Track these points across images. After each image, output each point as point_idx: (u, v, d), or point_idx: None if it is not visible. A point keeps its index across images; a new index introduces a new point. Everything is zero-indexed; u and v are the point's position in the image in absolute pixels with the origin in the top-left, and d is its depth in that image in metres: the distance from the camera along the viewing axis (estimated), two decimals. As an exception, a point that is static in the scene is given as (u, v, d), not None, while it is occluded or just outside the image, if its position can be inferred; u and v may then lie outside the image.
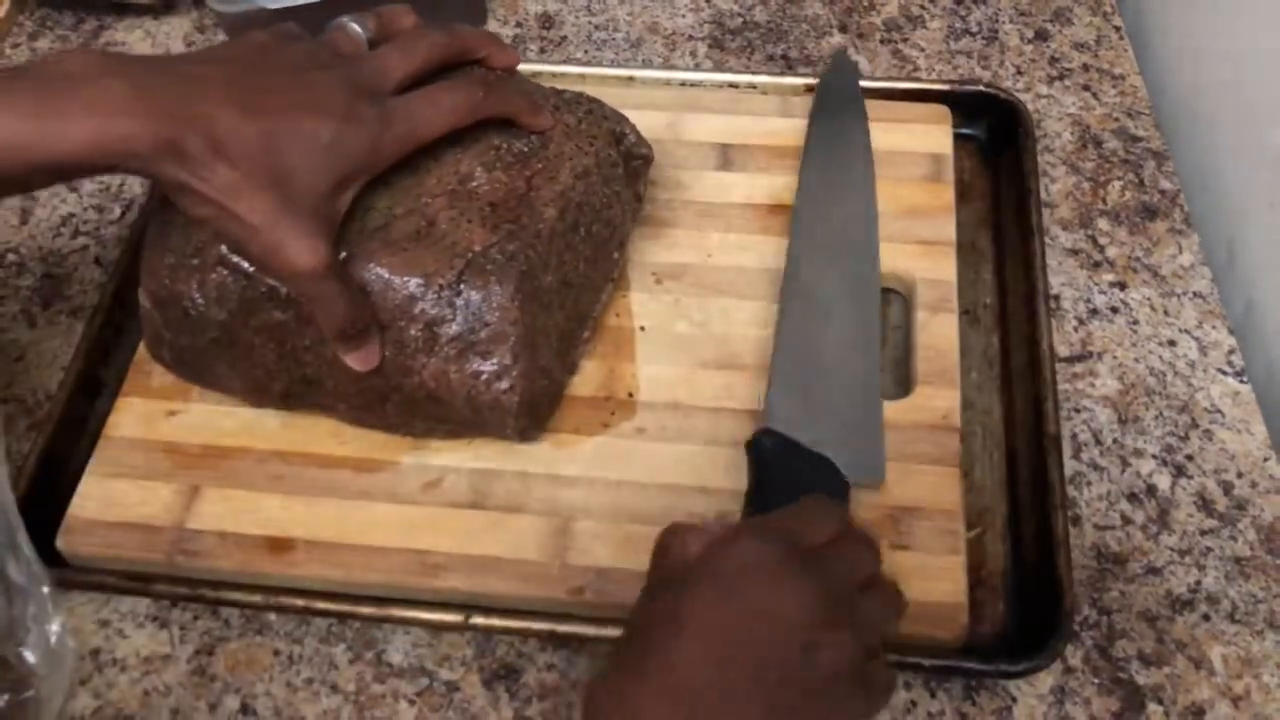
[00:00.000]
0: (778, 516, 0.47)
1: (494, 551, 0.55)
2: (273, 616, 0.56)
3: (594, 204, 0.59)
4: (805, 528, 0.46)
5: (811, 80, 0.72)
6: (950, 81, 0.72)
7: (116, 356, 0.64)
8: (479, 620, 0.53)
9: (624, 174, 0.61)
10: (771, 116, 0.70)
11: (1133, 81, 0.77)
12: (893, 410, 0.58)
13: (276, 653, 0.56)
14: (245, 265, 0.53)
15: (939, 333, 0.61)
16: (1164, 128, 0.75)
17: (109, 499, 0.57)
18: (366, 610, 0.54)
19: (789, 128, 0.70)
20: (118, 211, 0.72)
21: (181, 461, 0.58)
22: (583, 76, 0.73)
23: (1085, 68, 0.78)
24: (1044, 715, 0.54)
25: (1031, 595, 0.55)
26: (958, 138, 0.72)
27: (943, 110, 0.70)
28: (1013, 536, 0.58)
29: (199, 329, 0.55)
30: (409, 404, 0.55)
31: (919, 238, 0.65)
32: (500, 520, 0.56)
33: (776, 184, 0.67)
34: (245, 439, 0.59)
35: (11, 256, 0.70)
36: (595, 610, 0.53)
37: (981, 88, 0.71)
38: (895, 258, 0.64)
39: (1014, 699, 0.54)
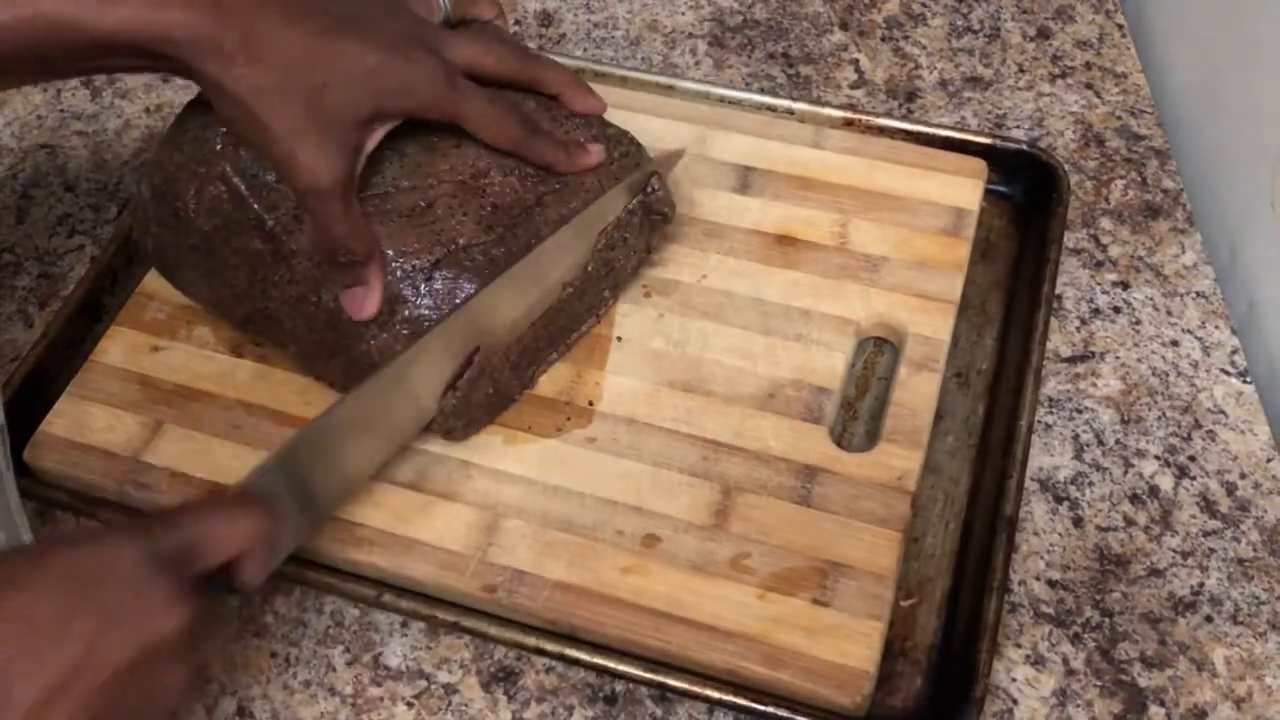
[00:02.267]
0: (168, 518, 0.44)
1: (420, 535, 0.55)
2: (270, 619, 0.57)
3: (597, 241, 0.59)
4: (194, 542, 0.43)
5: (853, 115, 0.70)
6: (992, 135, 0.69)
7: (123, 285, 0.67)
8: (388, 599, 0.54)
9: (638, 223, 0.61)
10: (801, 145, 0.69)
11: (1135, 79, 0.76)
12: (851, 462, 0.57)
13: (274, 655, 0.56)
14: (242, 188, 0.55)
15: (918, 391, 0.59)
16: (1166, 126, 0.74)
17: (79, 420, 0.60)
18: (286, 569, 0.55)
19: (816, 160, 0.68)
20: (114, 210, 0.73)
21: (153, 396, 0.60)
22: (624, 79, 0.73)
23: (1088, 66, 0.76)
24: (1046, 718, 0.53)
25: (951, 675, 0.53)
26: (995, 195, 0.69)
27: (979, 164, 0.68)
28: (948, 612, 0.56)
29: (184, 232, 0.57)
30: (352, 368, 0.56)
31: (922, 291, 0.63)
32: (433, 505, 0.56)
33: (790, 214, 0.66)
34: (216, 385, 0.61)
35: (7, 256, 0.71)
36: (504, 611, 0.53)
37: (1023, 146, 0.69)
38: (893, 307, 0.62)
39: (1015, 701, 0.53)
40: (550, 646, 0.52)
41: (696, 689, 0.51)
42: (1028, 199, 0.69)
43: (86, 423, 0.59)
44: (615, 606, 0.53)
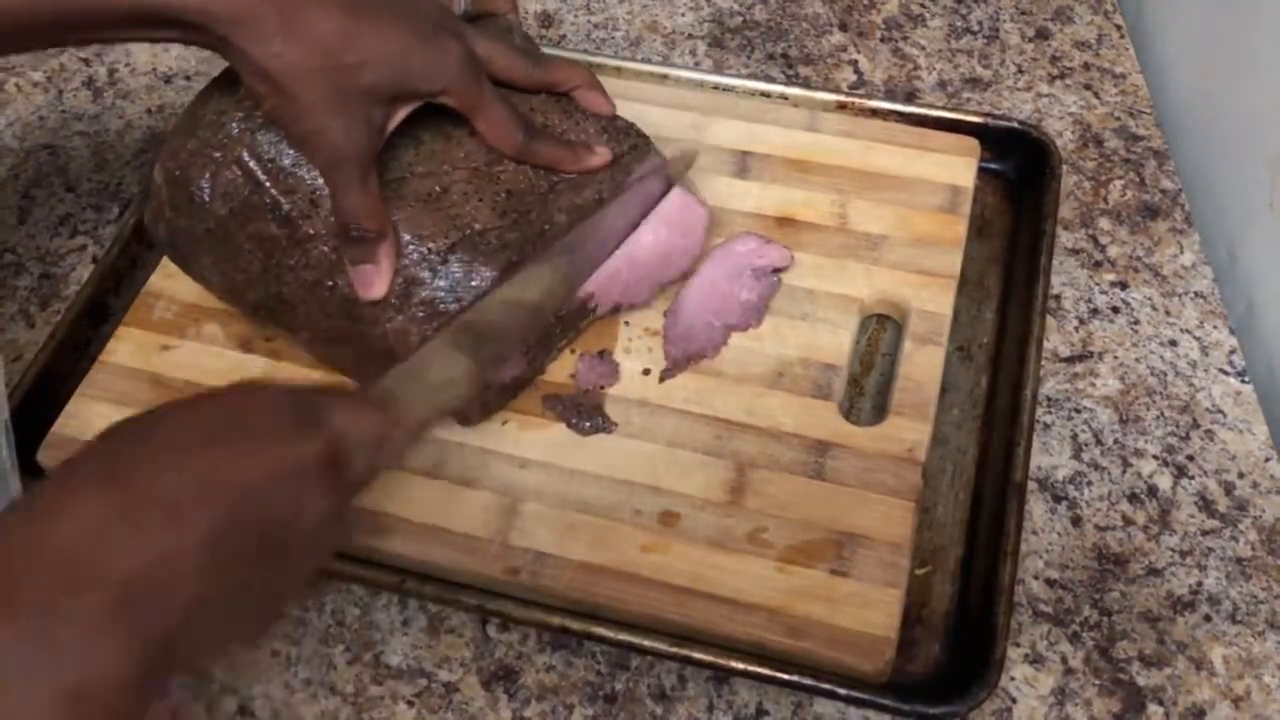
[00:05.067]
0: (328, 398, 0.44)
1: (441, 521, 0.56)
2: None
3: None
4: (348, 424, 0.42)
5: (845, 98, 0.71)
6: (983, 115, 0.71)
7: (128, 286, 0.67)
8: (412, 585, 0.54)
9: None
10: (797, 129, 0.70)
11: (1134, 80, 0.77)
12: (861, 436, 0.58)
13: (274, 654, 0.56)
14: (259, 173, 0.55)
15: (923, 364, 0.60)
16: (1165, 127, 0.75)
17: (92, 421, 0.60)
18: (308, 560, 0.55)
19: (812, 142, 0.69)
20: (116, 211, 0.73)
21: (165, 394, 0.60)
22: (619, 70, 0.73)
23: (1086, 66, 0.77)
24: (1045, 716, 0.53)
25: (969, 640, 0.54)
26: (988, 173, 0.70)
27: (972, 143, 0.69)
28: (963, 579, 0.57)
29: (198, 217, 0.57)
30: (367, 353, 0.56)
31: (922, 267, 0.64)
32: (452, 492, 0.57)
33: (789, 197, 0.67)
34: (227, 380, 0.60)
35: (9, 256, 0.71)
36: (528, 593, 0.54)
37: (1014, 124, 0.70)
38: (894, 284, 0.63)
39: (1014, 700, 0.54)
40: (575, 625, 0.53)
41: (721, 661, 0.52)
42: (1020, 175, 0.71)
43: (99, 423, 0.59)
44: (637, 584, 0.53)
